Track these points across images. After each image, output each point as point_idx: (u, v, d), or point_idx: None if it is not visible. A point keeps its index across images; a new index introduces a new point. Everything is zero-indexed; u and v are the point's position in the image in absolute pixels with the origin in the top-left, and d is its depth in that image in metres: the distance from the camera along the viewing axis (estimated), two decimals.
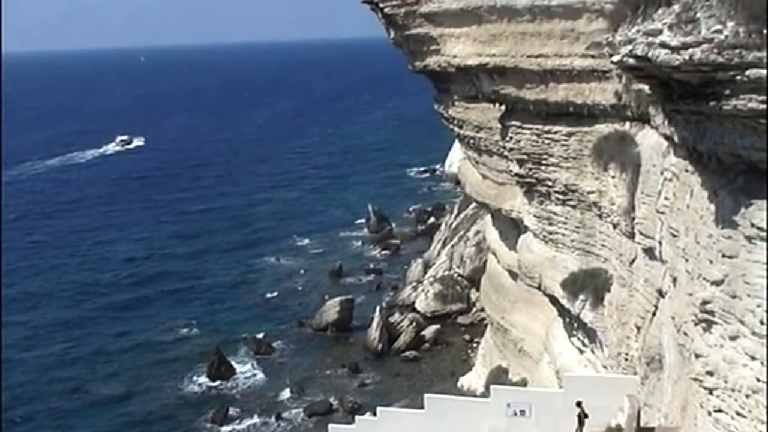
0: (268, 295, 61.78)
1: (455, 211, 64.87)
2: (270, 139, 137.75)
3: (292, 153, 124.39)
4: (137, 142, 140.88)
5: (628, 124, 21.77)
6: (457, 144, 57.98)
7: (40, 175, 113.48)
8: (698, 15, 10.59)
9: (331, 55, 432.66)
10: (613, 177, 21.38)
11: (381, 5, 31.63)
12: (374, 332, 51.24)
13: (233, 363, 49.50)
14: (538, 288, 28.50)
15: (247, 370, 49.38)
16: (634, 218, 19.63)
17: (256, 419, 43.65)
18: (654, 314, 18.35)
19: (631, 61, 11.64)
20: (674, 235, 14.45)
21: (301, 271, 67.28)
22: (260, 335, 53.74)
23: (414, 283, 59.04)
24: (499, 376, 37.81)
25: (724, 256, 11.37)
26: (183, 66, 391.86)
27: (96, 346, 53.41)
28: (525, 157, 26.29)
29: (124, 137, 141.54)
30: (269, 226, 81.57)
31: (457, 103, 33.36)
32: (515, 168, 27.40)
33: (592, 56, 21.40)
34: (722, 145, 11.48)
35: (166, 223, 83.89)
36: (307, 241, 76.06)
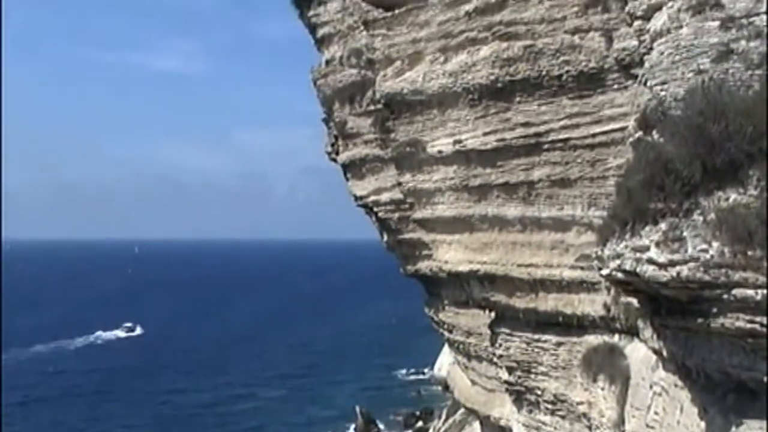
0: None
1: (443, 416, 63.79)
2: (257, 335, 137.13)
3: (278, 350, 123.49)
4: (139, 330, 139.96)
5: (617, 336, 21.79)
6: (446, 348, 57.75)
7: (26, 362, 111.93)
8: (684, 234, 10.89)
9: (319, 255, 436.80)
10: (603, 389, 21.21)
11: (375, 209, 32.27)
12: None
13: None
14: None
15: None
16: (624, 431, 19.35)
17: None
18: None
19: (620, 275, 11.85)
20: None
21: None
22: None
23: None
24: None
25: None
26: (176, 258, 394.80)
27: None
28: (514, 364, 26.14)
29: (128, 324, 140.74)
30: (254, 425, 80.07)
31: (447, 307, 33.42)
32: (504, 375, 27.18)
33: (582, 268, 21.65)
34: (711, 362, 11.51)
35: (150, 424, 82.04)
36: None
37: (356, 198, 33.48)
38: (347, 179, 33.81)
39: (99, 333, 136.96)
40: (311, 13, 32.59)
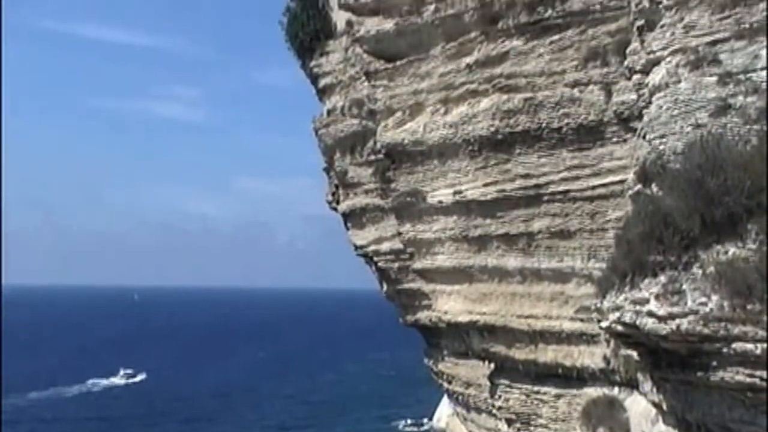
0: None
1: None
2: (256, 384, 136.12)
3: (277, 399, 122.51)
4: (141, 376, 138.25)
5: (616, 388, 21.68)
6: (445, 399, 57.41)
7: (24, 409, 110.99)
8: (684, 287, 10.91)
9: (319, 304, 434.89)
10: None
11: (375, 259, 32.26)
12: None
13: None
14: None
15: None
16: None
17: None
18: None
19: (620, 327, 11.84)
20: None
21: None
22: None
23: None
24: None
25: None
26: (175, 306, 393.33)
27: None
28: (514, 416, 25.98)
29: (129, 371, 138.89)
30: None
31: (446, 358, 33.26)
32: (504, 427, 26.99)
33: (581, 320, 21.61)
34: (711, 416, 11.46)
35: None
36: None
37: (356, 247, 33.48)
38: (347, 228, 33.84)
39: (98, 380, 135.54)
40: (313, 63, 32.88)
